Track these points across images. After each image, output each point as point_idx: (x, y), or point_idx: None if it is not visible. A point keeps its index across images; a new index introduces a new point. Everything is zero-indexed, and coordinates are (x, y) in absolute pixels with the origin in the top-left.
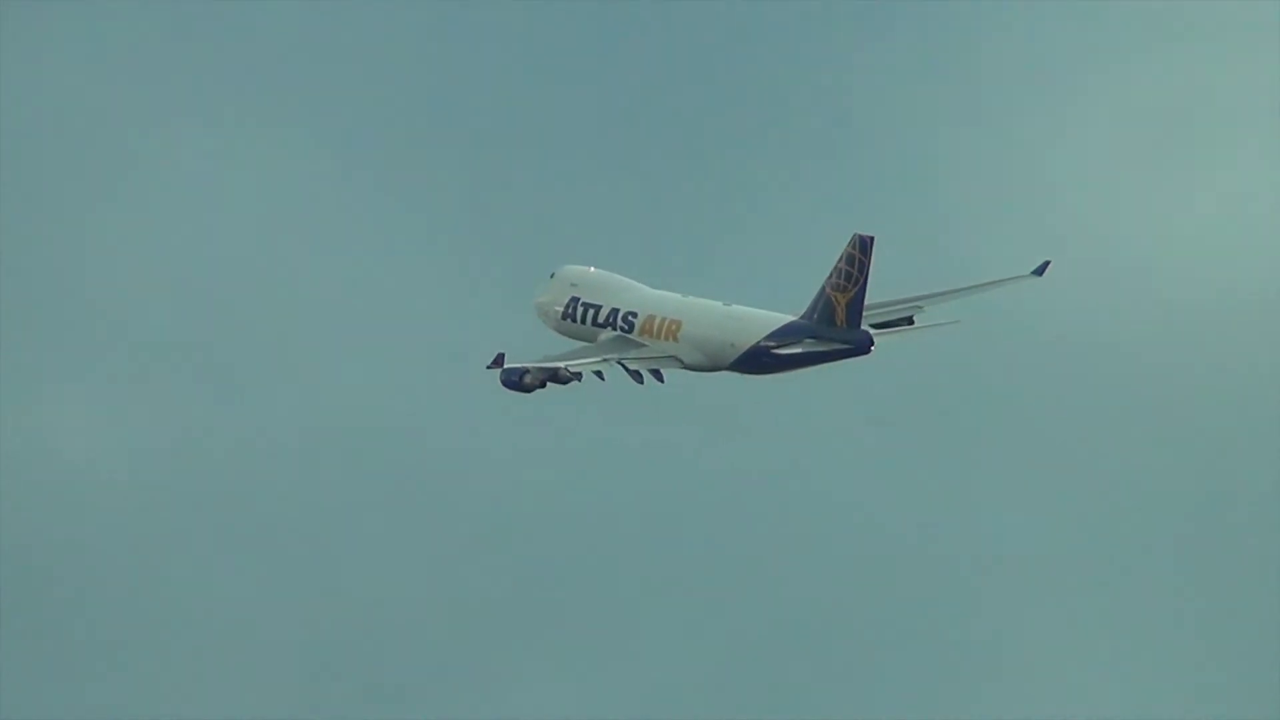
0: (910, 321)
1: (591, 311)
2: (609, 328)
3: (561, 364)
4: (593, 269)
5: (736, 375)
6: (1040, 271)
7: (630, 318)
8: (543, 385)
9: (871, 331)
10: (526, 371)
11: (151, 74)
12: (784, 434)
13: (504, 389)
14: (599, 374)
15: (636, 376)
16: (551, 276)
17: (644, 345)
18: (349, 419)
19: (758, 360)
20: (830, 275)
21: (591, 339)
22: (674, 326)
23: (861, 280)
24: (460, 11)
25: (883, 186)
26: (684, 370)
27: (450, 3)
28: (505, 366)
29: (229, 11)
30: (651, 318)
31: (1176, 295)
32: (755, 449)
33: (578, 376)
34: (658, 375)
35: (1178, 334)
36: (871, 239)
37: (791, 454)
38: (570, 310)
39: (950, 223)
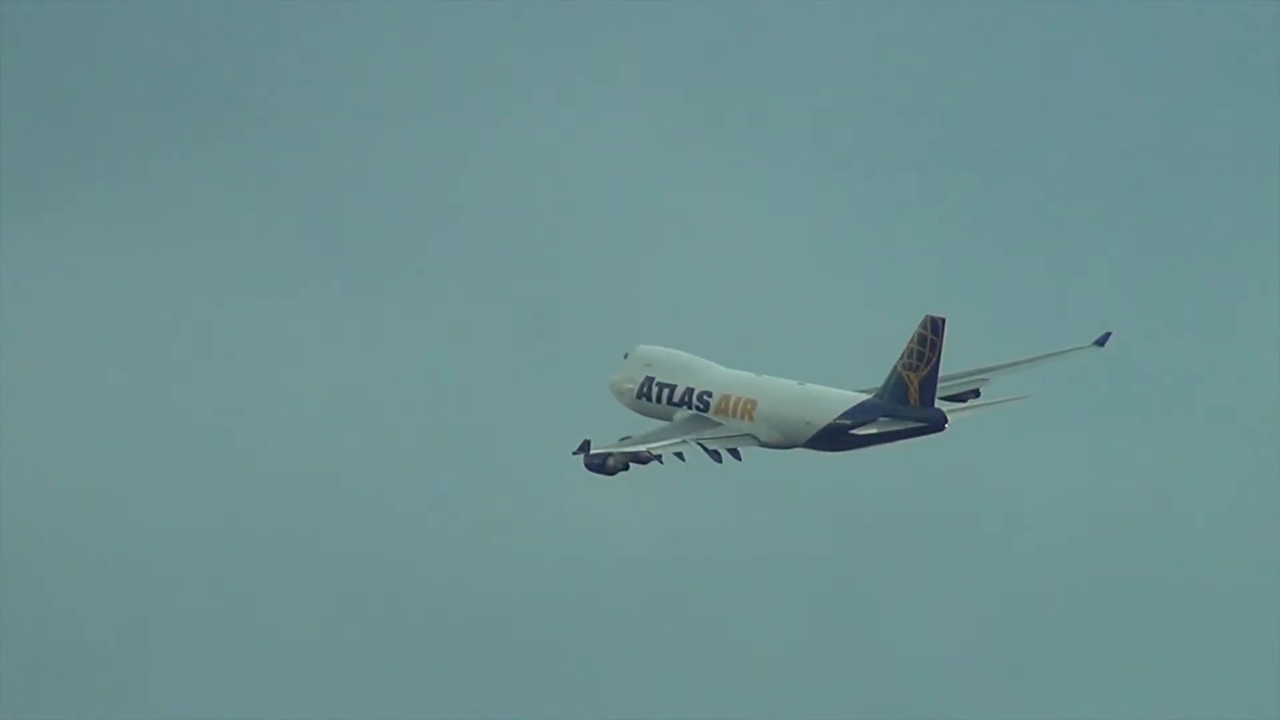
0: (977, 394)
1: (667, 391)
2: (685, 406)
3: (643, 446)
4: (667, 349)
5: (812, 452)
6: (1102, 342)
7: (705, 397)
8: (625, 468)
9: (945, 409)
10: (610, 455)
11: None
12: (864, 512)
13: (589, 472)
14: (679, 455)
15: (715, 456)
16: (626, 357)
17: (720, 424)
18: (438, 505)
19: (834, 438)
20: (902, 355)
21: (667, 417)
22: (749, 405)
23: (934, 360)
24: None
25: (936, 254)
26: (760, 448)
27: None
28: (590, 451)
29: None
30: (727, 397)
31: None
32: (838, 527)
33: (658, 458)
34: (735, 454)
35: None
36: (943, 320)
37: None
38: (646, 390)
39: (1011, 293)
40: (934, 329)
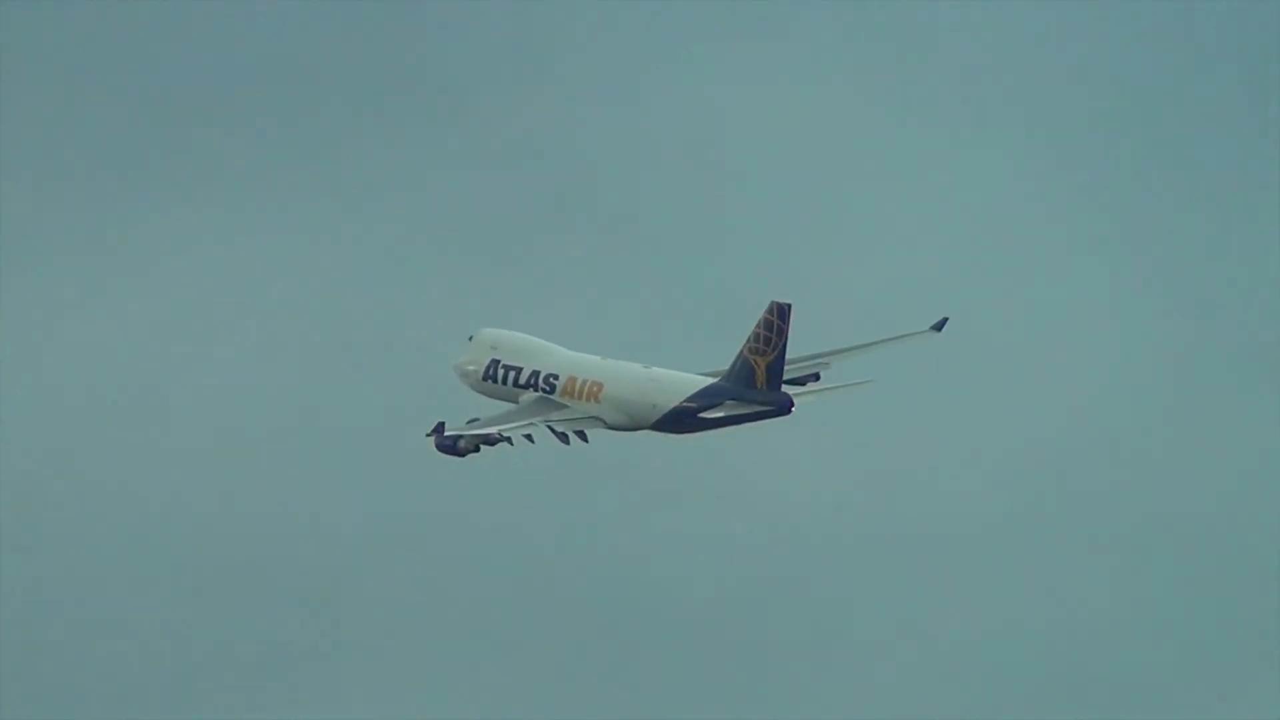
0: (817, 378)
1: (512, 373)
2: (530, 389)
3: (493, 429)
4: (512, 332)
5: (658, 435)
6: (939, 327)
7: (551, 379)
8: (476, 449)
9: (791, 393)
10: (461, 437)
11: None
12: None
13: (440, 454)
14: (528, 437)
15: (563, 438)
16: (470, 339)
17: (566, 406)
18: (290, 482)
19: (680, 421)
20: (748, 340)
21: (513, 399)
22: (595, 388)
23: (780, 344)
24: None
25: (780, 240)
26: (607, 430)
27: None
28: (436, 433)
29: None
30: (573, 379)
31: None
32: (688, 508)
33: (508, 440)
34: (582, 436)
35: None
36: (789, 306)
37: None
38: (491, 372)
39: (850, 278)
40: (780, 314)
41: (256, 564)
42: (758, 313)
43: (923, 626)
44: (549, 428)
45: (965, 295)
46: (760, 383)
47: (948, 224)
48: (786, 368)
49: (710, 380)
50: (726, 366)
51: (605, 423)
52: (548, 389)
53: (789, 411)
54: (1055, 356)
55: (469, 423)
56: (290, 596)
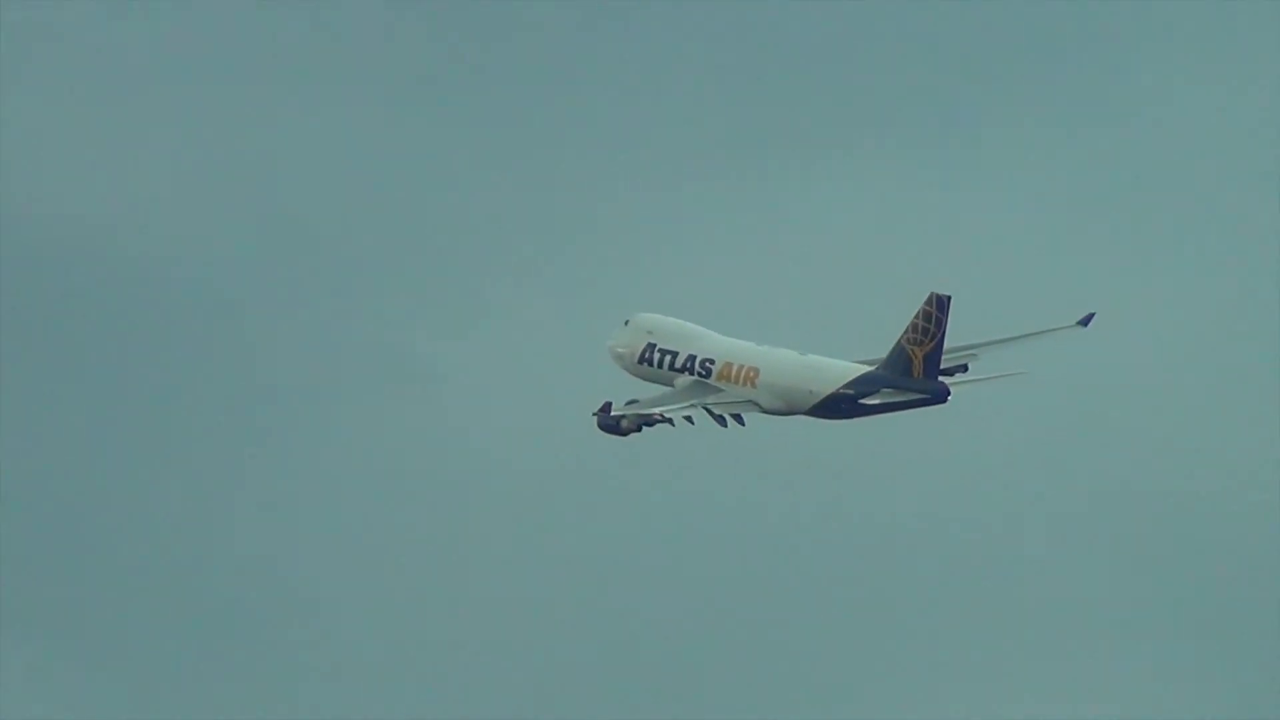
0: (965, 369)
1: (669, 357)
2: (686, 373)
3: (655, 410)
4: (667, 317)
5: (812, 420)
6: (1086, 322)
7: (708, 364)
8: (638, 429)
9: (948, 382)
10: (624, 417)
11: None
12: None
13: (602, 432)
14: (689, 418)
15: (720, 420)
16: (626, 323)
17: (722, 390)
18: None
19: (837, 407)
20: (906, 330)
21: (668, 383)
22: (751, 373)
23: (938, 335)
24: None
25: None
26: (762, 414)
27: None
28: (601, 412)
29: None
30: (729, 364)
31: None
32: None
33: (669, 420)
34: (739, 419)
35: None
36: (949, 298)
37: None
38: (647, 355)
39: (999, 271)
40: (939, 306)
41: (431, 536)
42: (910, 304)
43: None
44: (706, 410)
45: (1112, 291)
46: (917, 372)
47: (1095, 219)
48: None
49: (866, 368)
50: (882, 355)
51: (761, 407)
52: (703, 373)
53: (945, 400)
54: (1202, 351)
55: (628, 404)
56: (456, 570)
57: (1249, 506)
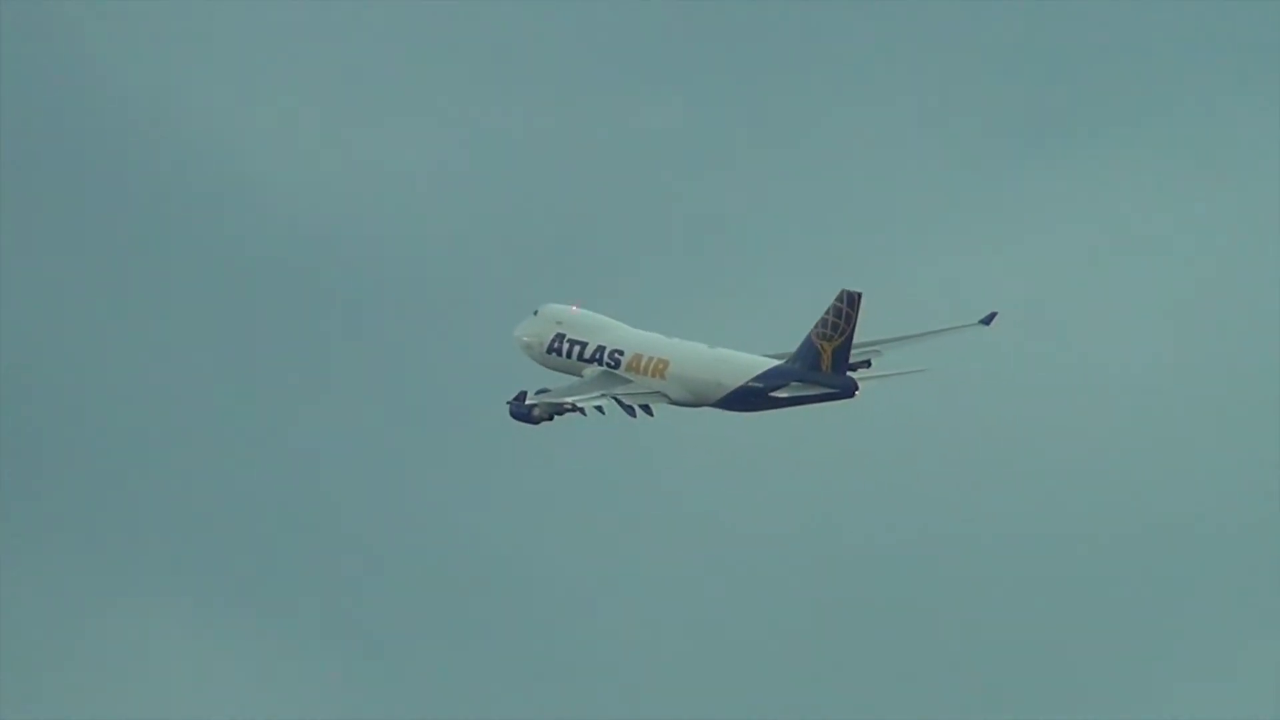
0: (868, 364)
1: (577, 347)
2: (595, 363)
3: (567, 399)
4: (577, 308)
5: (721, 412)
6: (988, 321)
7: (617, 355)
8: (550, 418)
9: (855, 377)
10: (535, 406)
11: None
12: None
13: (514, 420)
14: (599, 408)
15: (629, 411)
16: (535, 313)
17: (631, 381)
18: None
19: (745, 399)
20: (817, 325)
21: (577, 373)
22: (661, 365)
23: (848, 331)
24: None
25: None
26: (671, 406)
27: None
28: (515, 401)
29: None
30: (638, 356)
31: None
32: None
33: (581, 410)
34: (648, 410)
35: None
36: (859, 295)
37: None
38: (556, 345)
39: (904, 269)
40: (850, 302)
41: (340, 527)
42: (815, 300)
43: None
44: (616, 400)
45: (1015, 291)
46: (826, 366)
47: (997, 220)
48: None
49: (775, 361)
50: (790, 350)
51: (669, 398)
52: (612, 364)
53: (853, 395)
54: (1102, 351)
55: (538, 393)
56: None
57: (1153, 500)
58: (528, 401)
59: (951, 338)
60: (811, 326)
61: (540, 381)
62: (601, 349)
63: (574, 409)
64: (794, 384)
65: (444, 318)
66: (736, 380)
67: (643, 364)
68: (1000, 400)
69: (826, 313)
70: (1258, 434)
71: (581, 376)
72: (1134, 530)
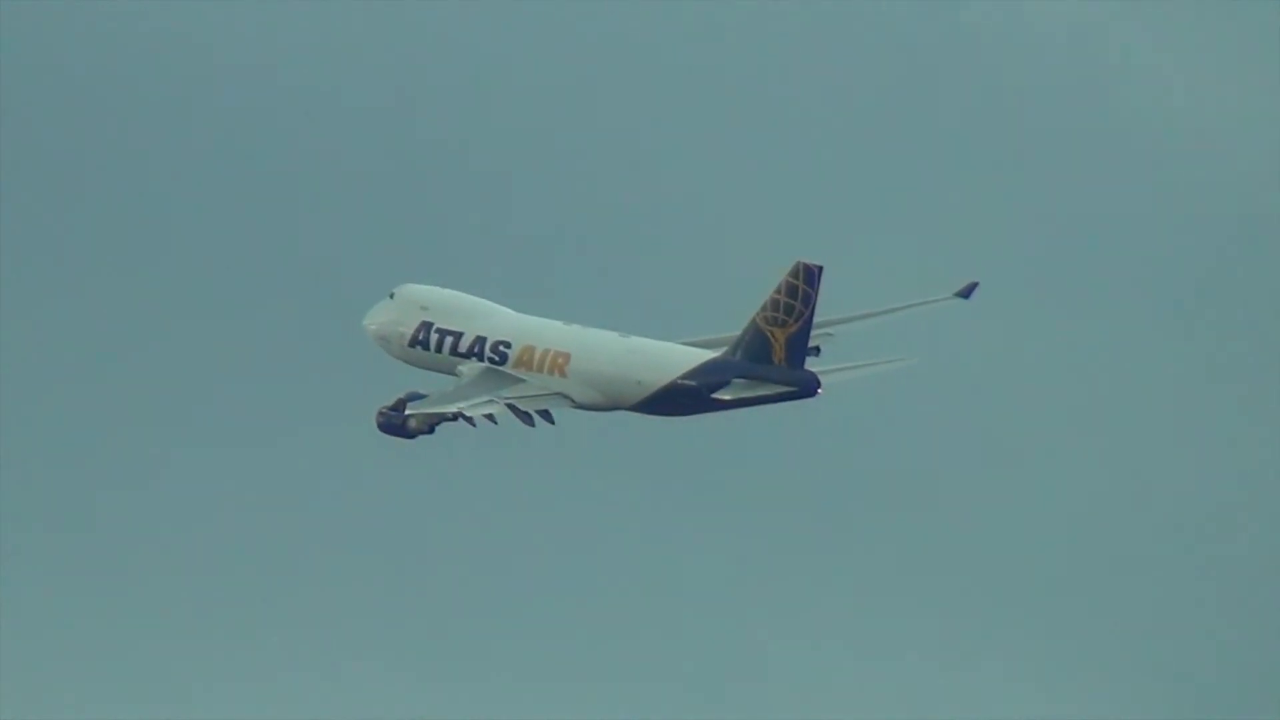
0: (817, 352)
1: (450, 339)
2: (474, 359)
3: (452, 407)
4: (443, 289)
5: (637, 415)
6: (967, 294)
7: (501, 347)
8: (429, 431)
9: (817, 372)
10: (411, 416)
11: None
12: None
13: (383, 434)
14: (490, 417)
15: (526, 418)
16: (391, 296)
17: (523, 381)
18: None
19: (674, 401)
20: (764, 307)
21: (450, 370)
22: (560, 360)
23: (806, 314)
24: None
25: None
26: (575, 410)
27: None
28: (394, 409)
29: None
30: (529, 348)
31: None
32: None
33: (470, 420)
34: (547, 416)
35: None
36: (820, 268)
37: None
38: (422, 336)
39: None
40: (808, 278)
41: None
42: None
43: None
44: (510, 406)
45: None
46: (778, 358)
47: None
48: None
49: (710, 354)
50: (733, 336)
51: (573, 400)
52: (497, 359)
53: (815, 393)
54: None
55: (409, 398)
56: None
57: (1144, 490)
58: (395, 410)
59: (923, 314)
60: (757, 310)
61: (400, 381)
62: (482, 340)
63: (460, 418)
64: (738, 382)
65: (275, 306)
66: (662, 378)
67: (536, 358)
68: (998, 399)
69: (777, 291)
70: (1258, 434)
71: (457, 375)
72: (1135, 533)
